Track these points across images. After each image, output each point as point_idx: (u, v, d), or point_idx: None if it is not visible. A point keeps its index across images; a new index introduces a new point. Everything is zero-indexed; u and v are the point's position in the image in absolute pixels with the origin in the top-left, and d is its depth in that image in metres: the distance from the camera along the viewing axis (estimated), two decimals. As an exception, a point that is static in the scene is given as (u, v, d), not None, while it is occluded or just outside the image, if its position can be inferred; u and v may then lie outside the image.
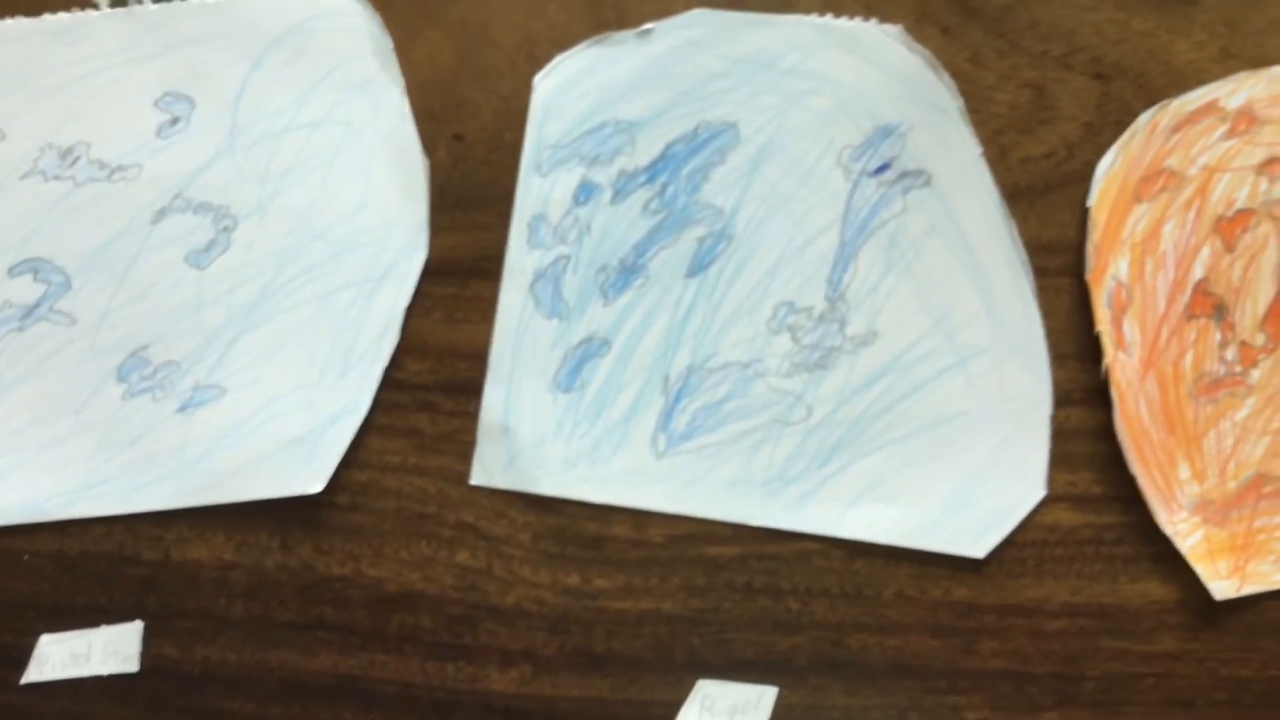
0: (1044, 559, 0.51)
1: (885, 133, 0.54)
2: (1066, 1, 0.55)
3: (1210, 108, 0.54)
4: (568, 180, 0.55)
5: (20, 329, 0.55)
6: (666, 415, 0.53)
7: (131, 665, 0.53)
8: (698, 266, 0.54)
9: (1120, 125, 0.54)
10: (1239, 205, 0.53)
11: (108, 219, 0.55)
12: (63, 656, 0.53)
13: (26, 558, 0.54)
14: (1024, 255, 0.52)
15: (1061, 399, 0.52)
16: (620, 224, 0.55)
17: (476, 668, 0.52)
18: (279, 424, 0.53)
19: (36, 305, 0.55)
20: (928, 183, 0.53)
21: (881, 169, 0.54)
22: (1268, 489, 0.51)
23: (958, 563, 0.51)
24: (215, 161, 0.55)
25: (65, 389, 0.54)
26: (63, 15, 0.56)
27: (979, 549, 0.51)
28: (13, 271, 0.55)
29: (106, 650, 0.53)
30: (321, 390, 0.54)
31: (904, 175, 0.54)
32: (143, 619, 0.54)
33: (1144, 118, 0.54)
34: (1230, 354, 0.52)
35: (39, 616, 0.54)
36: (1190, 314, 0.52)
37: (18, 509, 0.54)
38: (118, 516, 0.54)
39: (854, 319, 0.53)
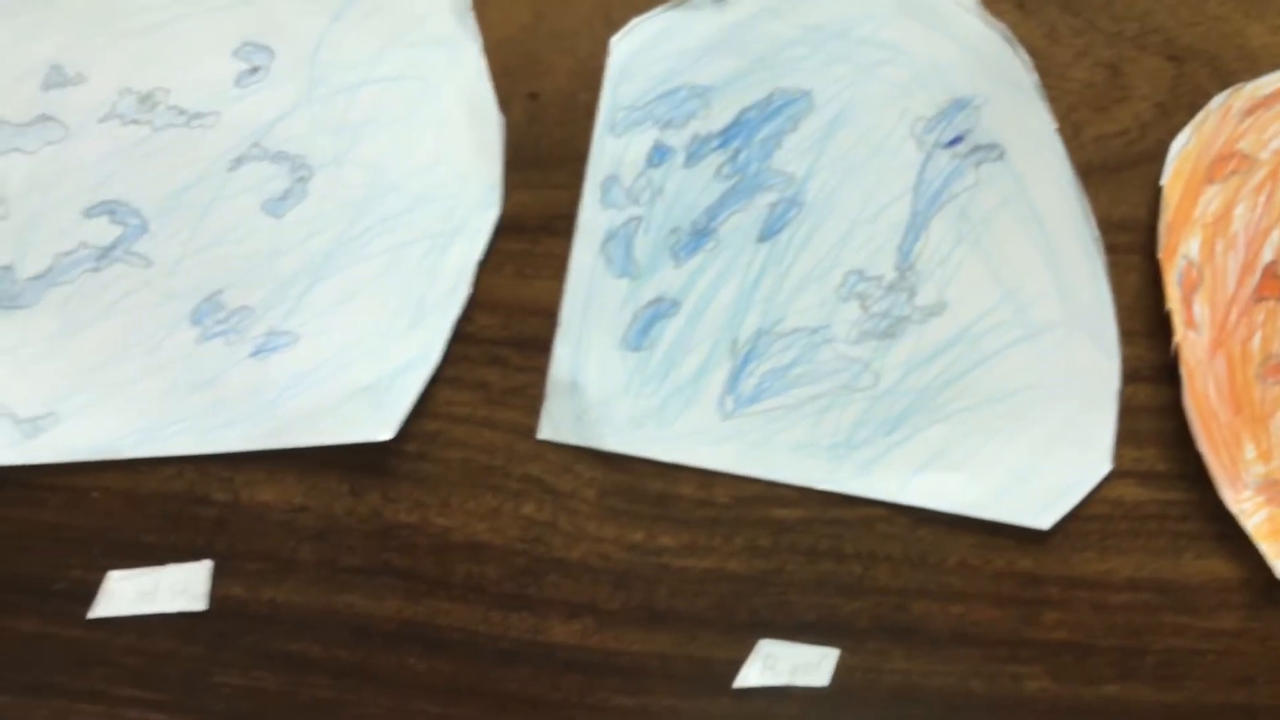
0: (1108, 533, 0.47)
1: (959, 105, 0.49)
2: (1142, -18, 0.50)
3: (1284, 92, 0.48)
4: (641, 142, 0.50)
5: (96, 269, 0.50)
6: (734, 378, 0.49)
7: (199, 604, 0.49)
8: (768, 232, 0.49)
9: (1193, 107, 0.49)
10: (1310, 190, 0.48)
11: (185, 165, 0.50)
12: (130, 593, 0.49)
13: (95, 494, 0.49)
14: (1096, 232, 0.48)
15: (1129, 375, 0.47)
16: (692, 187, 0.50)
17: (540, 619, 0.48)
18: (350, 372, 0.49)
19: (113, 247, 0.50)
20: (1000, 157, 0.49)
21: (954, 141, 0.49)
22: (1331, 471, 0.46)
23: (1022, 534, 0.47)
24: (293, 112, 0.50)
25: (140, 330, 0.50)
26: (146, -38, 0.51)
27: (1044, 520, 0.46)
28: (89, 213, 0.51)
29: (174, 588, 0.48)
30: (392, 340, 0.49)
31: (977, 149, 0.49)
32: (211, 559, 0.49)
33: (1217, 100, 0.49)
34: (1297, 337, 0.47)
35: (106, 553, 0.50)
36: (1259, 296, 0.48)
37: (91, 447, 0.50)
38: (189, 457, 0.50)
39: (923, 289, 0.48)
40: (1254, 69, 0.50)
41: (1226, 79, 0.50)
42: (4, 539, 0.50)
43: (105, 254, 0.51)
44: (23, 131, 0.51)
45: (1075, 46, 0.50)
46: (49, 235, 0.51)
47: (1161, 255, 0.48)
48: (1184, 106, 0.50)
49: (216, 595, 0.50)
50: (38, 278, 0.51)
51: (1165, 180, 0.49)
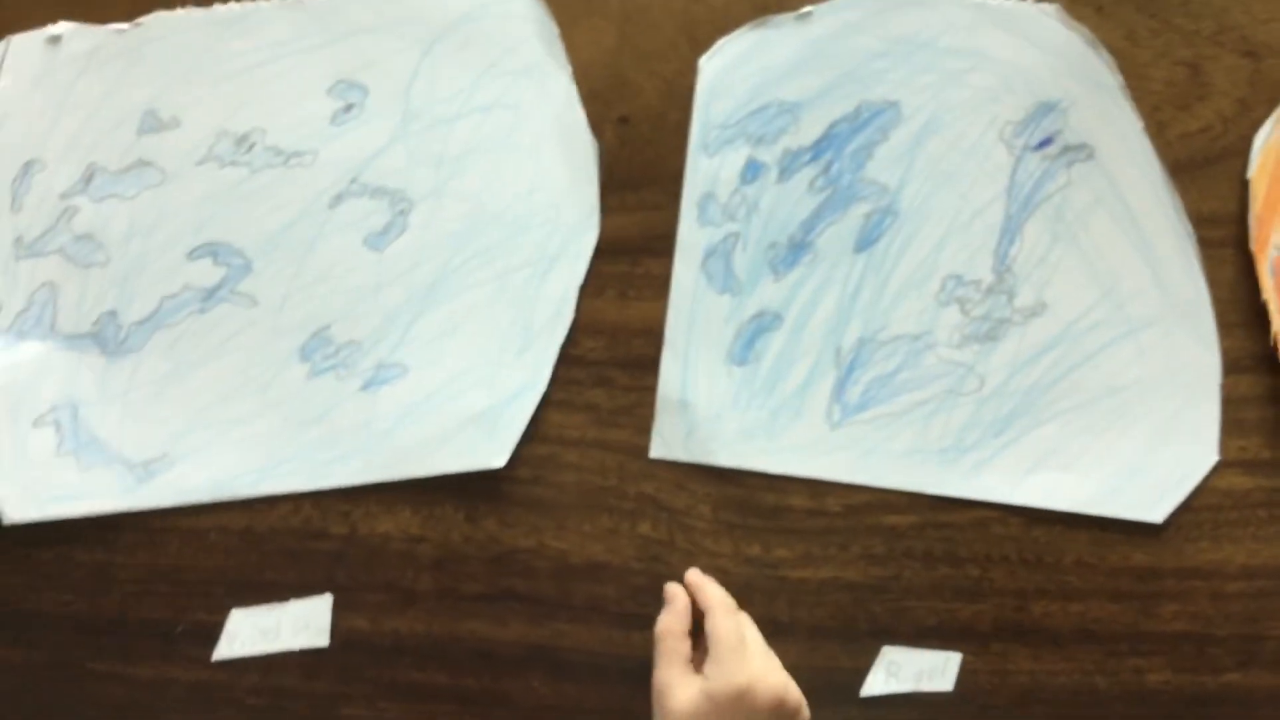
0: (1220, 523, 0.47)
1: (1046, 108, 0.49)
2: (1215, -20, 0.50)
3: (1361, 81, 0.49)
4: (734, 159, 0.50)
5: (202, 311, 0.50)
6: (840, 387, 0.49)
7: (322, 639, 0.49)
8: (865, 242, 0.49)
9: (1273, 101, 0.50)
10: (1392, 176, 0.48)
11: (285, 204, 0.51)
12: (252, 632, 0.48)
13: (213, 535, 0.49)
14: (1189, 226, 0.48)
15: (1230, 366, 0.48)
16: (787, 202, 0.50)
17: (662, 637, 0.48)
18: (461, 400, 0.49)
19: (218, 288, 0.50)
20: (1090, 156, 0.49)
21: (1044, 143, 0.49)
22: None
23: (1135, 528, 0.47)
24: (390, 147, 0.51)
25: (249, 369, 0.50)
26: (233, 5, 0.52)
27: (1157, 514, 0.47)
28: (192, 255, 0.51)
29: (297, 625, 0.48)
30: (501, 367, 0.49)
31: (1067, 149, 0.49)
32: (332, 593, 0.49)
33: (1296, 92, 0.49)
34: (1389, 321, 0.47)
35: (228, 593, 0.50)
36: (1351, 281, 0.47)
37: (206, 487, 0.50)
38: (304, 493, 0.50)
39: (1022, 291, 0.49)
40: (1330, 61, 0.50)
41: (1304, 72, 0.50)
42: (125, 584, 0.50)
43: (210, 295, 0.51)
44: (120, 178, 0.51)
45: (1154, 47, 0.51)
46: (153, 279, 0.51)
47: (1254, 247, 0.49)
48: (1264, 100, 0.50)
49: (339, 629, 0.49)
50: (143, 322, 0.51)
51: (1251, 173, 0.50)
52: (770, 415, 0.50)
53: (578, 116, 0.51)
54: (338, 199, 0.51)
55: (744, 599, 0.48)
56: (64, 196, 0.52)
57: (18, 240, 0.51)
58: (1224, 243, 0.49)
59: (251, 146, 0.51)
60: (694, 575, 0.46)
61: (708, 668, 0.43)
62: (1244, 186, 0.50)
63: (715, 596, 0.45)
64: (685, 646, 0.44)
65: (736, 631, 0.44)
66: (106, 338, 0.51)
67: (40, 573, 0.51)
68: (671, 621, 0.44)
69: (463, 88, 0.51)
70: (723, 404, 0.50)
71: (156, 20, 0.52)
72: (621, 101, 0.52)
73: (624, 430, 0.50)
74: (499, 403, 0.49)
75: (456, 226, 0.51)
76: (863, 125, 0.51)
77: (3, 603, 0.51)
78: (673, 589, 0.46)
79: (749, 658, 0.43)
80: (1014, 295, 0.49)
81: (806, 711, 0.43)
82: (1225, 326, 0.48)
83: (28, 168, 0.51)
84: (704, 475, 0.49)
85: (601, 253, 0.51)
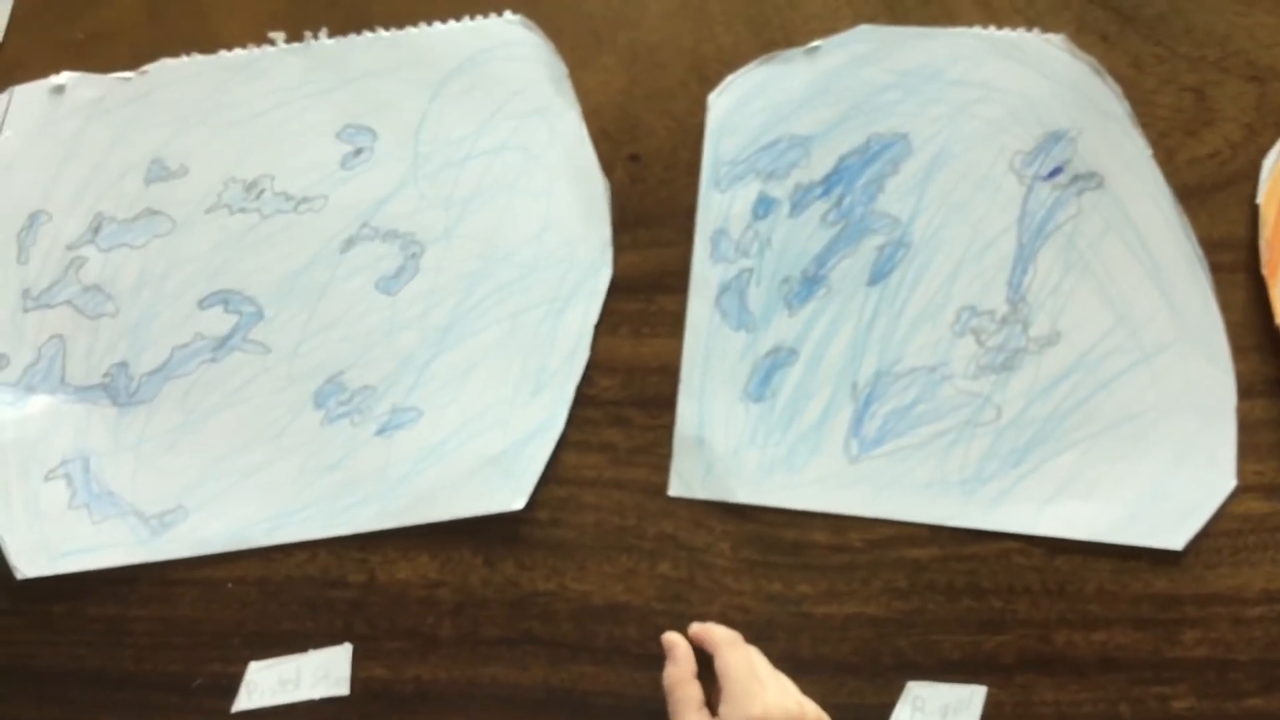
0: (1239, 548, 0.47)
1: (1055, 138, 0.50)
2: (1218, 7, 0.52)
3: (1365, 104, 0.49)
4: (746, 195, 0.51)
5: (214, 360, 0.51)
6: (857, 421, 0.49)
7: (342, 688, 0.49)
8: (878, 274, 0.50)
9: (1279, 125, 0.50)
10: (1398, 197, 0.48)
11: (297, 249, 0.51)
12: (272, 683, 0.48)
13: (230, 585, 0.49)
14: (1200, 251, 0.49)
15: (1244, 391, 0.48)
16: (800, 236, 0.50)
17: (686, 677, 0.48)
18: (477, 443, 0.49)
19: (230, 336, 0.50)
20: (1100, 185, 0.50)
21: (1054, 173, 0.50)
22: None
23: (1155, 555, 0.47)
24: (400, 190, 0.51)
25: (264, 416, 0.50)
26: (239, 52, 0.52)
27: (1177, 541, 0.47)
28: (203, 303, 0.51)
29: (316, 674, 0.48)
30: (516, 409, 0.49)
31: (1077, 178, 0.50)
32: (351, 641, 0.49)
33: (1302, 116, 0.50)
34: (1401, 341, 0.48)
35: (245, 644, 0.50)
36: (1362, 304, 0.48)
37: (221, 537, 0.50)
38: (321, 540, 0.50)
39: (1037, 320, 0.49)
40: (1333, 84, 0.51)
41: (1309, 95, 0.51)
42: (140, 638, 0.50)
43: (222, 344, 0.51)
44: (129, 227, 0.52)
45: (1160, 74, 0.51)
46: (163, 329, 0.51)
47: (1265, 270, 0.49)
48: (1270, 125, 0.51)
49: (359, 678, 0.49)
50: (155, 372, 0.51)
51: (1260, 198, 0.50)
52: (788, 451, 0.50)
53: (589, 156, 0.52)
54: (349, 243, 0.51)
55: (767, 637, 0.49)
56: (71, 247, 0.52)
57: (25, 292, 0.52)
58: (1235, 267, 0.50)
59: (261, 193, 0.52)
60: (695, 627, 0.48)
61: (722, 707, 0.43)
62: (1254, 211, 0.50)
63: (719, 634, 0.46)
64: (696, 692, 0.45)
65: (744, 664, 0.44)
66: (118, 389, 0.51)
67: (54, 628, 0.51)
68: (677, 671, 0.45)
69: (472, 129, 0.52)
70: (740, 440, 0.50)
71: (162, 68, 0.53)
72: (632, 140, 0.53)
73: (642, 469, 0.50)
74: (515, 444, 0.50)
75: (469, 268, 0.51)
76: (873, 158, 0.52)
77: (17, 659, 0.51)
78: (670, 639, 0.47)
79: (761, 688, 0.43)
80: (1029, 325, 0.50)
81: None
82: (1238, 351, 0.49)
83: (34, 219, 0.52)
84: (723, 513, 0.50)
85: (615, 290, 0.51)
